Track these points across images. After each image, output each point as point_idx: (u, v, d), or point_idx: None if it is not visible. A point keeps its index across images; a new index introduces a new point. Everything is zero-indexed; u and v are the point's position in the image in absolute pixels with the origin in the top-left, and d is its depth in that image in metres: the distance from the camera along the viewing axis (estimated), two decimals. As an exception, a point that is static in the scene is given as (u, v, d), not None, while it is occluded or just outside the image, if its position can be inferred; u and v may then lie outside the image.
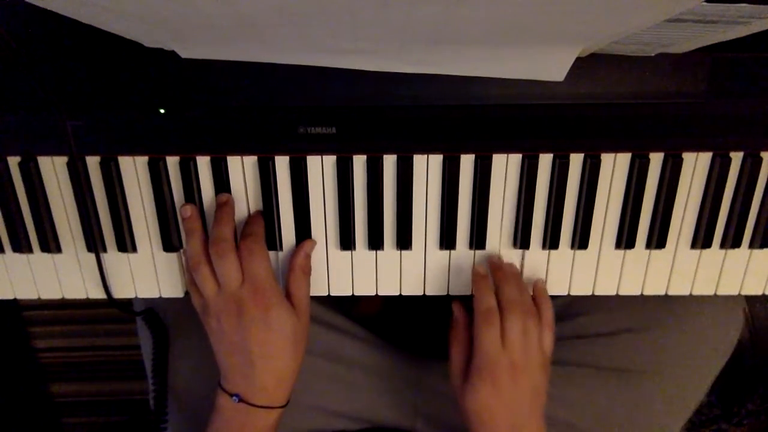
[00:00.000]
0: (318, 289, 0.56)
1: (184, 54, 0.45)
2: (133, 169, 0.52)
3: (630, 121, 0.49)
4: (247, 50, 0.44)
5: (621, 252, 0.55)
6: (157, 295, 0.57)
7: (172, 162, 0.52)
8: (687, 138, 0.50)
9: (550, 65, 0.44)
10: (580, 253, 0.55)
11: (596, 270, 0.56)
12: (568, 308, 0.67)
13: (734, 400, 0.91)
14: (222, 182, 0.52)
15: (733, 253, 0.55)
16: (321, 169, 0.52)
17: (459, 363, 0.53)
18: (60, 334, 1.18)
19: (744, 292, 0.56)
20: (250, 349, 0.50)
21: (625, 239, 0.54)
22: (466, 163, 0.51)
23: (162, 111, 0.48)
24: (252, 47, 0.42)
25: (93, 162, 0.51)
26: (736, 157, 0.51)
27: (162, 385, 0.62)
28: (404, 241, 0.54)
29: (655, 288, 0.56)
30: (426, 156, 0.51)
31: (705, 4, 0.30)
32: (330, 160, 0.51)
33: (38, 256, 0.55)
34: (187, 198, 0.52)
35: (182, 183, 0.52)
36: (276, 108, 0.48)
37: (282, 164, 0.52)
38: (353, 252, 0.55)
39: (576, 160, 0.51)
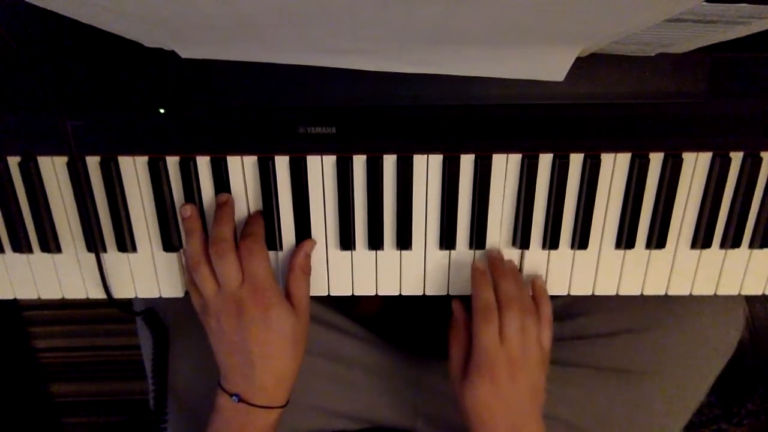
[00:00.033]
0: (318, 289, 0.56)
1: (184, 54, 0.45)
2: (133, 169, 0.52)
3: (630, 121, 0.49)
4: (247, 50, 0.44)
5: (621, 252, 0.55)
6: (157, 295, 0.57)
7: (172, 162, 0.52)
8: (687, 138, 0.50)
9: (550, 65, 0.44)
10: (580, 253, 0.55)
11: (596, 270, 0.56)
12: (569, 309, 0.67)
13: (734, 400, 0.91)
14: (222, 182, 0.52)
15: (733, 253, 0.55)
16: (321, 169, 0.52)
17: (458, 360, 0.53)
18: (60, 334, 1.18)
19: (744, 292, 0.56)
20: (250, 349, 0.50)
21: (625, 239, 0.54)
22: (466, 163, 0.51)
23: (162, 111, 0.48)
24: (252, 47, 0.42)
25: (93, 162, 0.51)
26: (736, 157, 0.51)
27: (162, 385, 0.62)
28: (404, 241, 0.54)
29: (655, 288, 0.56)
30: (426, 156, 0.51)
31: (705, 4, 0.30)
32: (330, 160, 0.51)
33: (38, 256, 0.55)
34: (187, 198, 0.52)
35: (182, 183, 0.52)
36: (276, 108, 0.48)
37: (282, 164, 0.52)
38: (353, 252, 0.55)
39: (576, 160, 0.51)
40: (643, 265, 0.55)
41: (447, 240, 0.54)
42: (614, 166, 0.52)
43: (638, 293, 0.57)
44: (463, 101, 0.47)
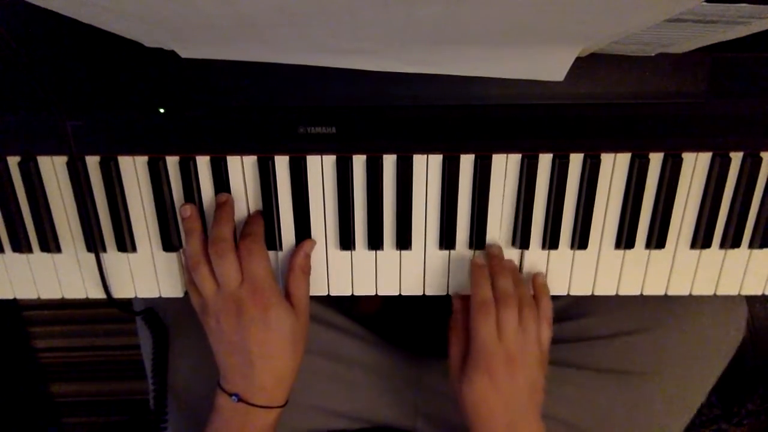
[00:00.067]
0: (318, 289, 0.56)
1: (184, 54, 0.45)
2: (133, 169, 0.52)
3: (630, 121, 0.49)
4: (247, 50, 0.44)
5: (621, 252, 0.55)
6: (156, 295, 0.57)
7: (172, 162, 0.52)
8: (687, 138, 0.50)
9: (550, 65, 0.44)
10: (579, 253, 0.55)
11: (596, 270, 0.56)
12: (569, 310, 0.67)
13: (734, 400, 0.91)
14: (222, 182, 0.52)
15: (732, 253, 0.55)
16: (321, 169, 0.52)
17: (457, 357, 0.53)
18: (60, 334, 1.18)
19: (744, 292, 0.56)
20: (250, 349, 0.50)
21: (625, 239, 0.54)
22: (466, 163, 0.51)
23: (162, 111, 0.48)
24: (252, 47, 0.42)
25: (93, 162, 0.51)
26: (736, 157, 0.51)
27: (162, 385, 0.62)
28: (404, 241, 0.54)
29: (654, 288, 0.56)
30: (426, 156, 0.51)
31: (705, 4, 0.30)
32: (330, 160, 0.51)
33: (38, 256, 0.55)
34: (187, 198, 0.52)
35: (182, 183, 0.52)
36: (276, 108, 0.48)
37: (282, 164, 0.52)
38: (353, 252, 0.55)
39: (576, 160, 0.51)
40: (642, 265, 0.55)
41: (447, 240, 0.54)
42: (614, 166, 0.52)
43: (638, 293, 0.57)
44: (463, 101, 0.48)
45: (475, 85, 0.47)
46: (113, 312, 1.10)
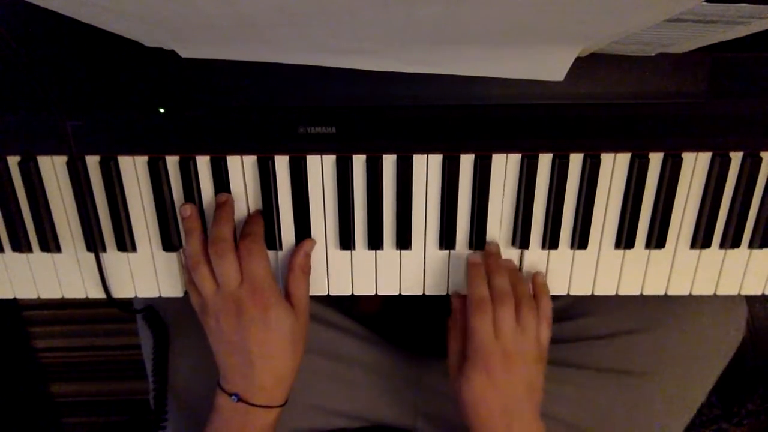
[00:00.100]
0: (317, 288, 0.56)
1: (184, 54, 0.45)
2: (133, 169, 0.52)
3: (630, 121, 0.49)
4: (247, 50, 0.44)
5: (620, 252, 0.55)
6: (156, 295, 0.57)
7: (172, 161, 0.52)
8: (687, 138, 0.50)
9: (550, 65, 0.44)
10: (579, 253, 0.55)
11: (596, 270, 0.56)
12: (569, 310, 0.67)
13: (734, 400, 0.91)
14: (222, 182, 0.52)
15: (732, 253, 0.55)
16: (321, 168, 0.52)
17: (456, 356, 0.53)
18: (60, 334, 1.18)
19: (743, 292, 0.56)
20: (249, 349, 0.50)
21: (625, 239, 0.54)
22: (466, 163, 0.51)
23: (162, 111, 0.48)
24: (252, 47, 0.42)
25: (93, 162, 0.51)
26: (736, 157, 0.51)
27: (162, 383, 0.62)
28: (404, 241, 0.54)
29: (654, 288, 0.56)
30: (426, 156, 0.51)
31: (705, 4, 0.30)
32: (330, 159, 0.51)
33: (38, 256, 0.55)
34: (187, 197, 0.52)
35: (182, 182, 0.52)
36: (276, 108, 0.48)
37: (282, 164, 0.52)
38: (353, 252, 0.55)
39: (576, 160, 0.51)
40: (642, 265, 0.55)
41: (447, 240, 0.54)
42: (614, 166, 0.52)
43: (638, 293, 0.57)
44: (463, 101, 0.48)
45: (475, 85, 0.47)
46: (113, 312, 1.10)
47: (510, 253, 0.55)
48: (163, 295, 0.57)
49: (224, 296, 0.50)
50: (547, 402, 0.53)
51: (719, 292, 0.56)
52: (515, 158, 0.51)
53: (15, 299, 0.57)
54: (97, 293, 0.56)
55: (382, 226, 0.53)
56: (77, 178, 0.51)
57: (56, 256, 0.55)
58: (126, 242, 0.54)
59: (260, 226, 0.52)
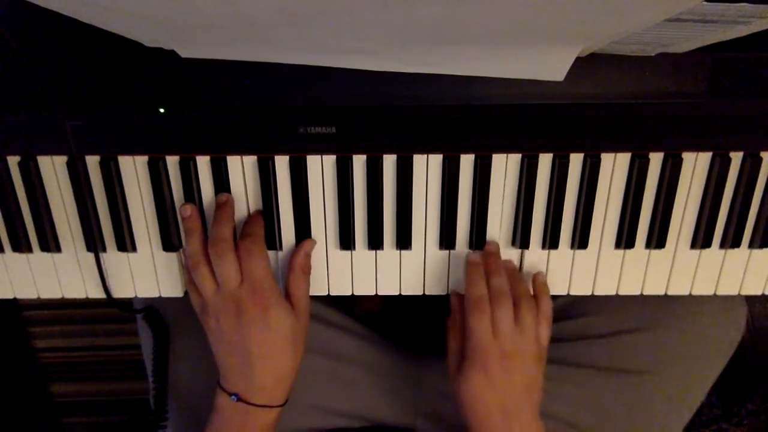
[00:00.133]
0: (318, 288, 0.56)
1: (184, 54, 0.45)
2: (133, 169, 0.52)
3: (630, 121, 0.49)
4: (247, 50, 0.44)
5: (621, 252, 0.55)
6: (156, 295, 0.57)
7: (172, 161, 0.52)
8: (687, 138, 0.50)
9: (550, 65, 0.44)
10: (579, 252, 0.55)
11: (596, 270, 0.56)
12: (569, 309, 0.67)
13: (734, 400, 0.91)
14: (222, 182, 0.52)
15: (732, 253, 0.55)
16: (321, 168, 0.52)
17: (455, 355, 0.53)
18: (60, 334, 1.18)
19: (744, 292, 0.56)
20: (249, 349, 0.50)
21: (625, 239, 0.54)
22: (466, 163, 0.51)
23: (162, 111, 0.48)
24: (252, 47, 0.42)
25: (93, 162, 0.51)
26: (736, 157, 0.51)
27: (162, 383, 0.62)
28: (404, 241, 0.54)
29: (654, 288, 0.56)
30: (426, 156, 0.51)
31: (705, 4, 0.30)
32: (330, 159, 0.51)
33: (38, 256, 0.55)
34: (187, 197, 0.52)
35: (182, 182, 0.52)
36: (276, 108, 0.48)
37: (282, 164, 0.52)
38: (353, 252, 0.55)
39: (576, 160, 0.51)
40: (642, 264, 0.55)
41: (447, 240, 0.54)
42: (614, 166, 0.52)
43: (638, 293, 0.57)
44: (463, 101, 0.48)
45: (475, 85, 0.47)
46: (113, 312, 1.10)
47: (510, 253, 0.55)
48: (163, 295, 0.57)
49: (224, 296, 0.50)
50: (546, 401, 0.53)
51: (719, 292, 0.56)
52: (515, 158, 0.51)
53: (15, 299, 0.57)
54: (97, 293, 0.56)
55: (382, 226, 0.53)
56: (77, 178, 0.51)
57: (56, 256, 0.55)
58: (126, 242, 0.54)
59: (260, 226, 0.52)
